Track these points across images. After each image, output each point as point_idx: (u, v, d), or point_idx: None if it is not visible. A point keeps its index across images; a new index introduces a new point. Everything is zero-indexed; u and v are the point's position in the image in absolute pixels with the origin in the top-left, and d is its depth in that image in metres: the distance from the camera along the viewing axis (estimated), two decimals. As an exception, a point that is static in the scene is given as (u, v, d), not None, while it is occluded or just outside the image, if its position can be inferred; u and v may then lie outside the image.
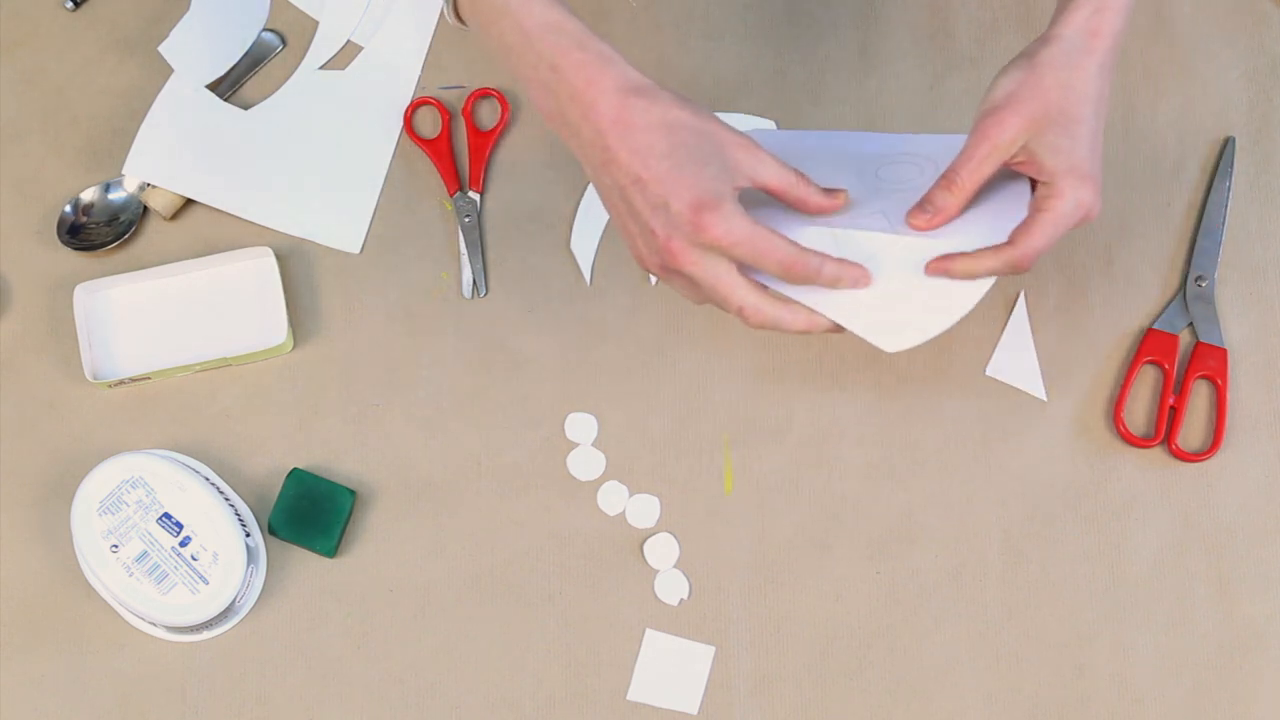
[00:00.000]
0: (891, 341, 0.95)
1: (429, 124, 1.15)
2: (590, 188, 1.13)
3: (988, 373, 1.11)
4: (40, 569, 1.06)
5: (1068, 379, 1.11)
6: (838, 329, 0.94)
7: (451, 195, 1.12)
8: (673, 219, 0.89)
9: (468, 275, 1.11)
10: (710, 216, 0.88)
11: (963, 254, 0.94)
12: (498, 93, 1.14)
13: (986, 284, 0.95)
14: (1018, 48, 0.97)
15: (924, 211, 0.95)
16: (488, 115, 1.15)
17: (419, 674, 1.06)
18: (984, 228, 0.95)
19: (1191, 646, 1.06)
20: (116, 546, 1.03)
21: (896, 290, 0.95)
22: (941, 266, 0.94)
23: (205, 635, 1.05)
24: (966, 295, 0.95)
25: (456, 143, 1.14)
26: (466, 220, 1.11)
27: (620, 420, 1.10)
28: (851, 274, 0.93)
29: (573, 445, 1.09)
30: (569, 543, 1.08)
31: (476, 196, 1.12)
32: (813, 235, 0.95)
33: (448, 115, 1.14)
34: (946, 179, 0.94)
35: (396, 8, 1.17)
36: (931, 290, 0.95)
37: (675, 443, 1.09)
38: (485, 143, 1.13)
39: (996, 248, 0.94)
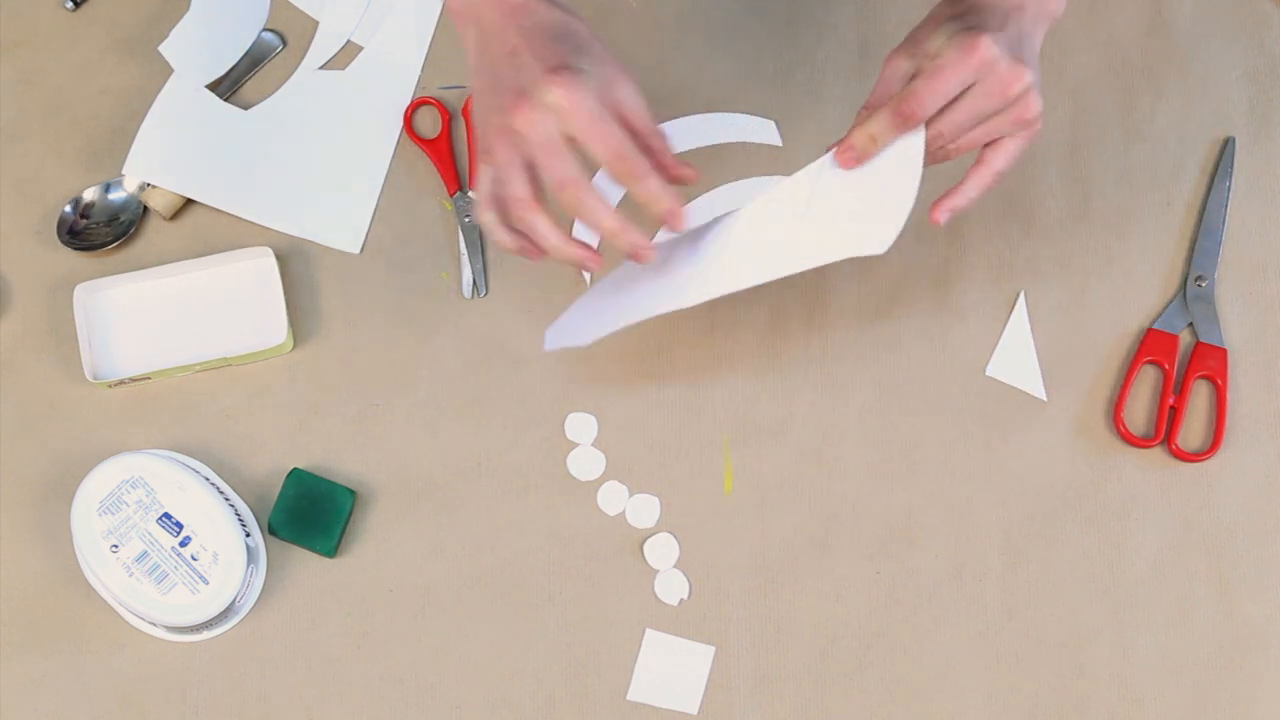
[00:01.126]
0: (875, 245, 0.93)
1: (429, 124, 1.15)
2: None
3: (988, 373, 1.11)
4: (40, 569, 1.06)
5: (1068, 379, 1.11)
6: (647, 254, 0.93)
7: (451, 195, 1.12)
8: (526, 72, 0.88)
9: (468, 275, 1.11)
10: (564, 75, 0.87)
11: (855, 128, 0.93)
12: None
13: (918, 145, 0.93)
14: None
15: (850, 150, 0.93)
16: (488, 115, 1.15)
17: (419, 674, 1.06)
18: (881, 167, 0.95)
19: (1191, 646, 1.06)
20: (116, 546, 1.03)
21: (837, 208, 0.94)
22: (845, 152, 0.93)
23: (205, 635, 1.05)
24: (906, 164, 0.93)
25: (456, 143, 1.14)
26: (466, 220, 1.11)
27: (620, 420, 1.10)
28: (669, 204, 0.90)
29: (573, 445, 1.09)
30: (569, 543, 1.08)
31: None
32: (722, 222, 0.97)
33: (448, 115, 1.14)
34: (907, 101, 0.91)
35: (396, 8, 1.17)
36: (870, 187, 0.94)
37: (675, 443, 1.09)
38: None
39: (885, 106, 0.92)
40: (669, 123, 1.15)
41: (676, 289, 0.97)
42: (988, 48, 0.90)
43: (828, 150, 0.95)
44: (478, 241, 1.11)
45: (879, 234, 0.93)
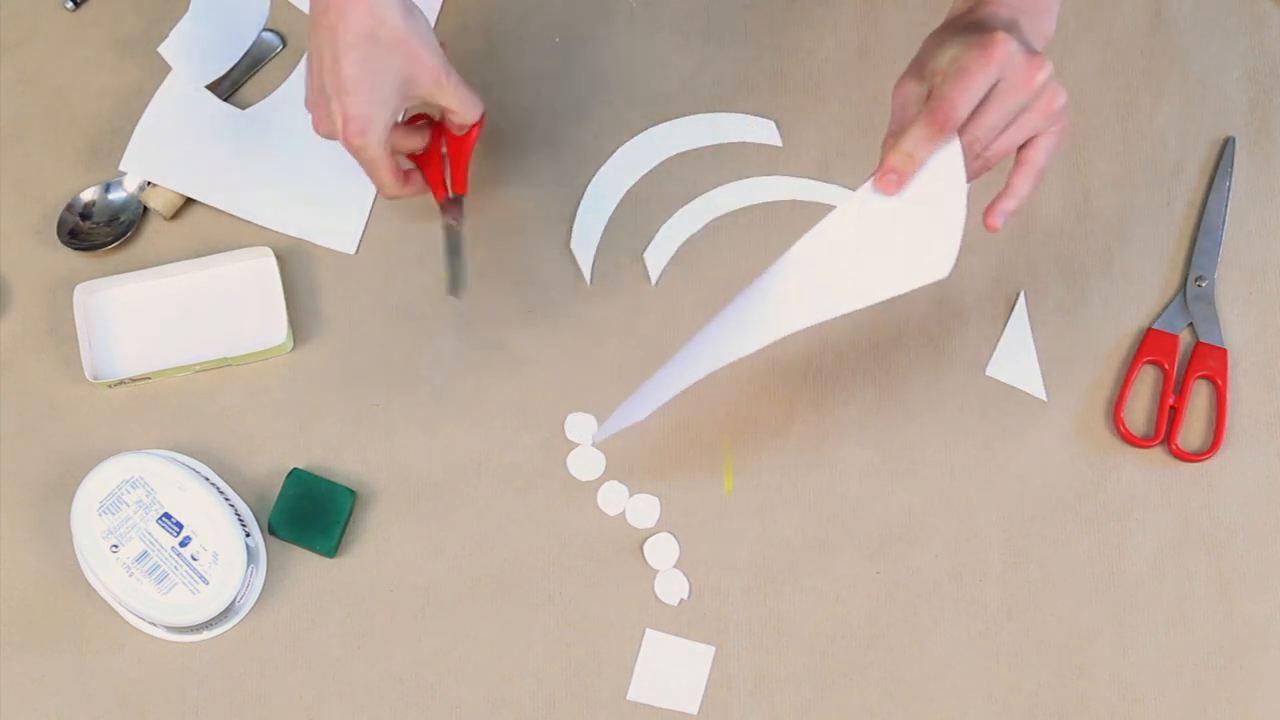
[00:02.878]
0: (937, 269, 0.91)
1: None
2: (590, 189, 1.13)
3: (988, 373, 1.11)
4: (40, 569, 1.06)
5: (1068, 379, 1.11)
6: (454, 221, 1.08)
7: (440, 202, 1.10)
8: (333, 112, 0.99)
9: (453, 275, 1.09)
10: (354, 128, 0.99)
11: (889, 151, 0.91)
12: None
13: (956, 157, 0.92)
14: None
15: (888, 176, 0.91)
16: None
17: (419, 674, 1.06)
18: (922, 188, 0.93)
19: (1191, 646, 1.06)
20: (116, 546, 1.03)
21: (889, 239, 0.93)
22: (885, 176, 0.91)
23: (205, 635, 1.05)
24: (949, 180, 0.92)
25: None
26: (449, 224, 1.10)
27: (620, 420, 1.10)
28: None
29: (573, 445, 1.09)
30: (569, 543, 1.08)
31: (458, 198, 1.10)
32: (773, 271, 0.95)
33: (437, 125, 1.12)
34: (939, 109, 0.90)
35: (396, 8, 1.17)
36: (918, 211, 0.92)
37: (675, 443, 1.09)
38: (464, 145, 1.08)
39: (916, 118, 0.91)
40: (669, 123, 1.15)
41: (733, 338, 0.96)
42: (1005, 43, 0.89)
43: (867, 181, 0.92)
44: (458, 244, 1.09)
45: (937, 258, 0.91)
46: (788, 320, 0.94)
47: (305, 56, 1.07)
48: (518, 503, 1.08)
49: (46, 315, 1.11)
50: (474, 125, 1.06)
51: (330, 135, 1.01)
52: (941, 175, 0.92)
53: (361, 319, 1.11)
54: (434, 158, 1.08)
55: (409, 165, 1.07)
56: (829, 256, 0.93)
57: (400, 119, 1.07)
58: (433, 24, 1.17)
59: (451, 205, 1.09)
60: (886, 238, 0.93)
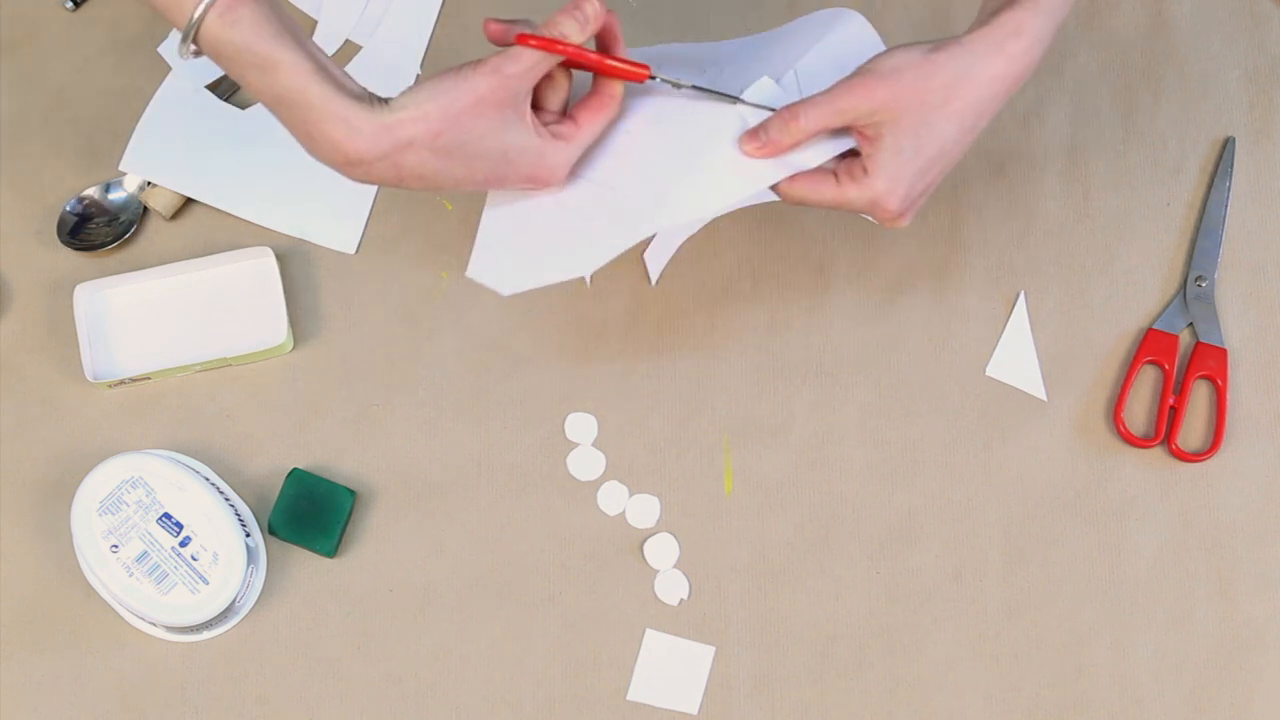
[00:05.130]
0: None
1: None
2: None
3: (988, 373, 1.11)
4: (40, 569, 1.06)
5: (1068, 379, 1.11)
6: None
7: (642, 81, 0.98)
8: (524, 188, 0.93)
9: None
10: (544, 174, 0.91)
11: (746, 133, 0.92)
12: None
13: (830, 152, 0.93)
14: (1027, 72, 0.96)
15: (756, 139, 0.92)
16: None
17: (419, 674, 1.06)
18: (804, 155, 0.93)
19: (1191, 646, 1.06)
20: (116, 546, 1.03)
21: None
22: (746, 142, 0.92)
23: (205, 635, 1.05)
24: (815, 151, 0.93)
25: None
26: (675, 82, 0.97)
27: (620, 420, 1.10)
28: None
29: (573, 445, 1.09)
30: (569, 543, 1.08)
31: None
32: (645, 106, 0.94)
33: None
34: (789, 113, 0.91)
35: (395, 7, 1.17)
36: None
37: (675, 443, 1.09)
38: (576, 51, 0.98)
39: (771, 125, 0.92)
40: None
41: (666, 202, 0.93)
42: (896, 214, 0.92)
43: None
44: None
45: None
46: (691, 205, 0.93)
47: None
48: (518, 503, 1.08)
49: (46, 315, 1.11)
50: (560, 48, 0.90)
51: (562, 178, 0.93)
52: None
53: (361, 319, 1.11)
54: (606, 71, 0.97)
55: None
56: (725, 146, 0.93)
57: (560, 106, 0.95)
58: (431, 25, 1.17)
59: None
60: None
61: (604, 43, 0.92)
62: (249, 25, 0.86)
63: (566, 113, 0.92)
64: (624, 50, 0.92)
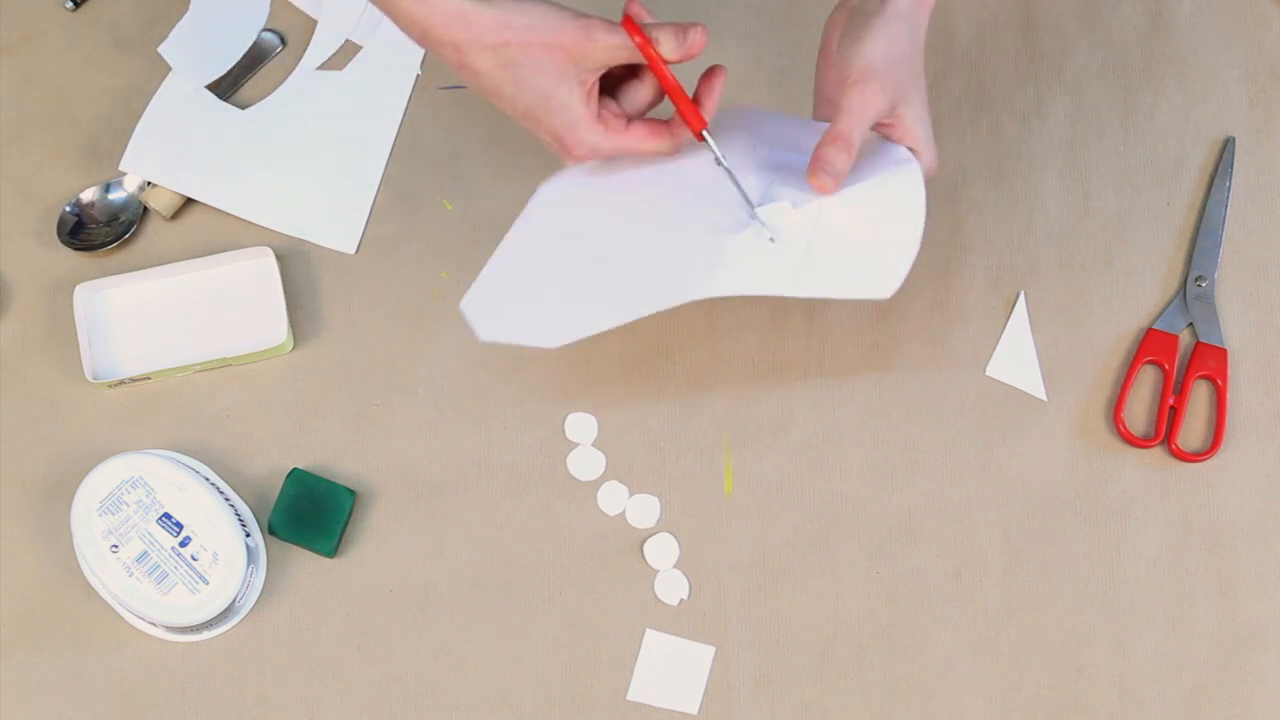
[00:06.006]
0: (878, 288, 0.94)
1: None
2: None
3: (988, 373, 1.11)
4: (40, 569, 1.06)
5: (1068, 379, 1.11)
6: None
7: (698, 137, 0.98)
8: (549, 142, 0.95)
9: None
10: (570, 141, 0.93)
11: (814, 158, 0.94)
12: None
13: (916, 180, 0.96)
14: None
15: (828, 175, 0.94)
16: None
17: (419, 674, 1.06)
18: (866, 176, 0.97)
19: (1191, 646, 1.06)
20: (116, 546, 1.03)
21: (841, 247, 0.95)
22: (817, 178, 0.94)
23: (205, 635, 1.05)
24: (908, 206, 0.95)
25: None
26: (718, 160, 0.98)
27: (620, 420, 1.10)
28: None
29: (573, 445, 1.09)
30: (569, 543, 1.08)
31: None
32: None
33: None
34: (842, 141, 0.94)
35: (396, 8, 1.17)
36: (874, 228, 0.95)
37: (675, 443, 1.09)
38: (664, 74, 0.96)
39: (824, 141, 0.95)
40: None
41: (657, 288, 0.96)
42: (935, 162, 0.99)
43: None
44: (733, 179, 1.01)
45: (883, 280, 0.94)
46: (718, 286, 0.94)
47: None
48: (518, 503, 1.08)
49: (46, 315, 1.11)
50: (650, 52, 0.92)
51: (579, 161, 0.96)
52: (902, 196, 0.95)
53: (361, 319, 1.11)
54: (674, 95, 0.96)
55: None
56: (779, 250, 0.95)
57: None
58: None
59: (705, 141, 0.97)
60: (838, 246, 0.95)
61: (699, 91, 0.95)
62: None
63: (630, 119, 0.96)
64: (713, 106, 0.95)
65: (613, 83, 0.95)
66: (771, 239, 0.95)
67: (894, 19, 0.96)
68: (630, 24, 0.90)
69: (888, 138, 0.98)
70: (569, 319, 0.99)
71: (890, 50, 0.95)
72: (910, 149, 0.97)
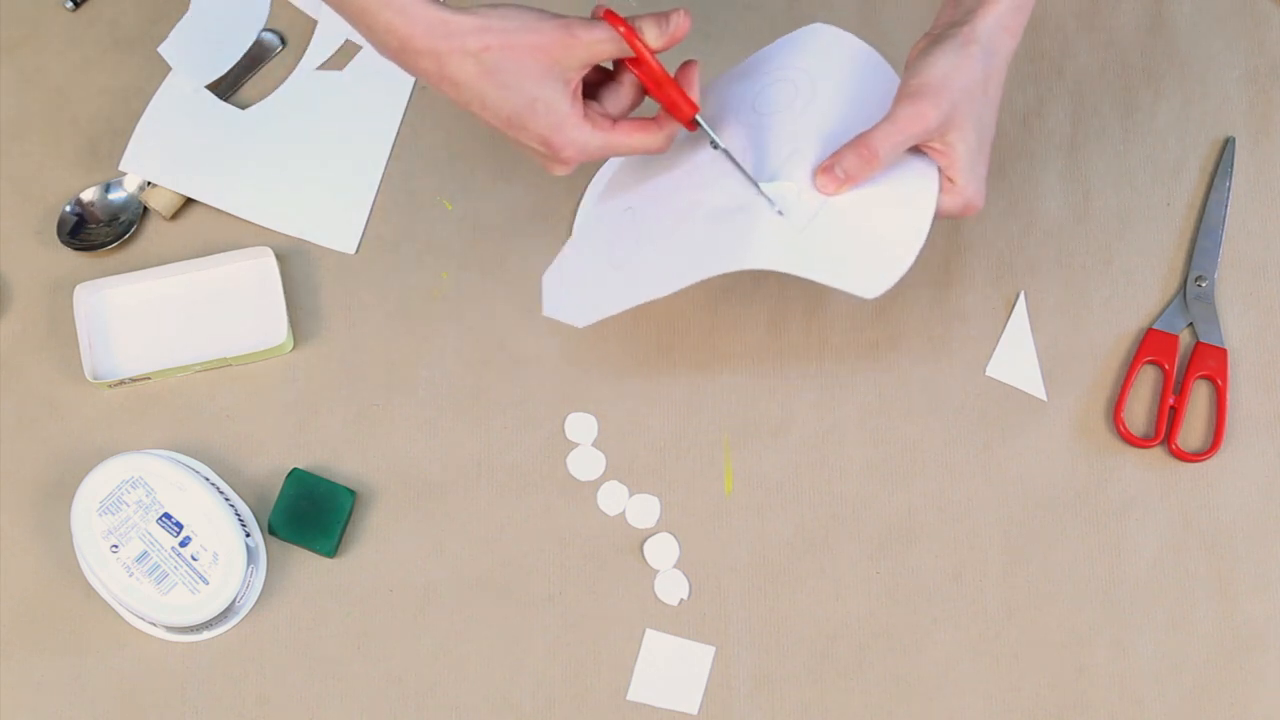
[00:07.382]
0: (865, 286, 0.94)
1: None
2: (590, 187, 1.13)
3: (988, 373, 1.11)
4: (40, 569, 1.06)
5: (1068, 379, 1.11)
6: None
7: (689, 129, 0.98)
8: (535, 148, 0.93)
9: None
10: (558, 143, 0.92)
11: (830, 156, 0.94)
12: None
13: (931, 187, 0.95)
14: (1018, 48, 0.97)
15: (833, 175, 0.94)
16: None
17: (419, 674, 1.06)
18: (888, 185, 0.96)
19: (1191, 646, 1.06)
20: (116, 546, 1.03)
21: (838, 234, 0.95)
22: (822, 177, 0.94)
23: (205, 635, 1.05)
24: (915, 213, 0.95)
25: None
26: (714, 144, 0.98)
27: (620, 420, 1.10)
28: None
29: (573, 445, 1.09)
30: (569, 543, 1.08)
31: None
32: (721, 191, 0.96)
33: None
34: (866, 149, 0.94)
35: (396, 8, 1.17)
36: (877, 224, 0.95)
37: (675, 443, 1.09)
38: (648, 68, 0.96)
39: (850, 146, 0.94)
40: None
41: (677, 268, 0.97)
42: (980, 200, 0.97)
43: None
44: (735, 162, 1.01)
45: (871, 281, 0.94)
46: (723, 262, 0.95)
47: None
48: (518, 503, 1.08)
49: (46, 315, 1.11)
50: (635, 42, 0.92)
51: (566, 166, 0.94)
52: (911, 200, 0.95)
53: (361, 319, 1.11)
54: (658, 91, 0.96)
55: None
56: (794, 213, 0.95)
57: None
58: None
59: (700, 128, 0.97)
60: (840, 228, 0.95)
61: (679, 85, 0.94)
62: None
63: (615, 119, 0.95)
64: (695, 94, 0.94)
65: (591, 89, 0.95)
66: (780, 211, 0.95)
67: (969, 43, 0.94)
68: (612, 15, 0.90)
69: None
70: (597, 300, 1.01)
71: (955, 73, 0.93)
72: (949, 179, 0.96)
